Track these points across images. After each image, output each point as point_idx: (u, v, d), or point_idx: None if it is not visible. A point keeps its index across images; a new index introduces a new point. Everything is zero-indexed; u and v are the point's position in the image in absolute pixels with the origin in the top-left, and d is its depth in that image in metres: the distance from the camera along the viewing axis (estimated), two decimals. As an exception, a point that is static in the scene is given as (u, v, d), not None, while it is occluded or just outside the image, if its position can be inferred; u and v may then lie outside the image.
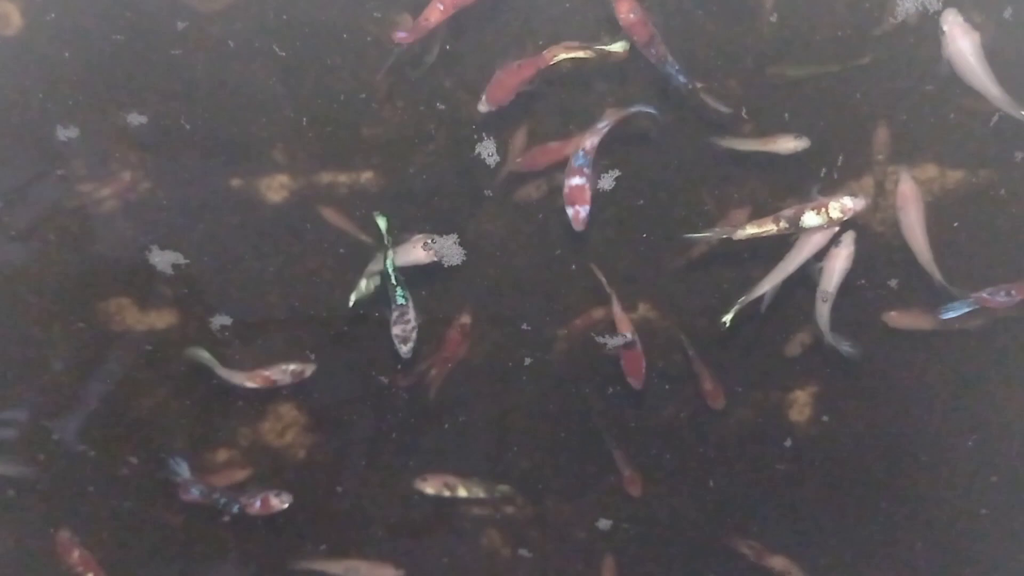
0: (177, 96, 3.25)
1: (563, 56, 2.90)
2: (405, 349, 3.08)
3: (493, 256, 3.47)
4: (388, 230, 3.06)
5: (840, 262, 3.06)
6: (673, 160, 3.40)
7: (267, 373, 3.35)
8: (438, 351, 3.47)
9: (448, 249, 3.22)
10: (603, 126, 2.94)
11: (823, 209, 2.87)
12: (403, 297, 3.05)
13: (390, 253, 3.03)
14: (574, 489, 3.73)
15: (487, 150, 3.16)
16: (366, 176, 3.41)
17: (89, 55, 3.21)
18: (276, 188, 3.41)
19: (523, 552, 3.70)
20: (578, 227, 2.97)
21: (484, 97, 2.94)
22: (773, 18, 2.92)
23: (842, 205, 2.86)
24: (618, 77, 3.31)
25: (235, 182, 3.39)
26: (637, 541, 3.74)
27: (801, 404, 3.67)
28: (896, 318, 3.45)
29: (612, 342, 3.19)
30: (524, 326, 3.44)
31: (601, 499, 3.73)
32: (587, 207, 2.95)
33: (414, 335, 3.07)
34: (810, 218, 2.89)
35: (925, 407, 3.65)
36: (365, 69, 3.28)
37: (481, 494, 3.60)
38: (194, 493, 3.34)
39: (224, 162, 3.35)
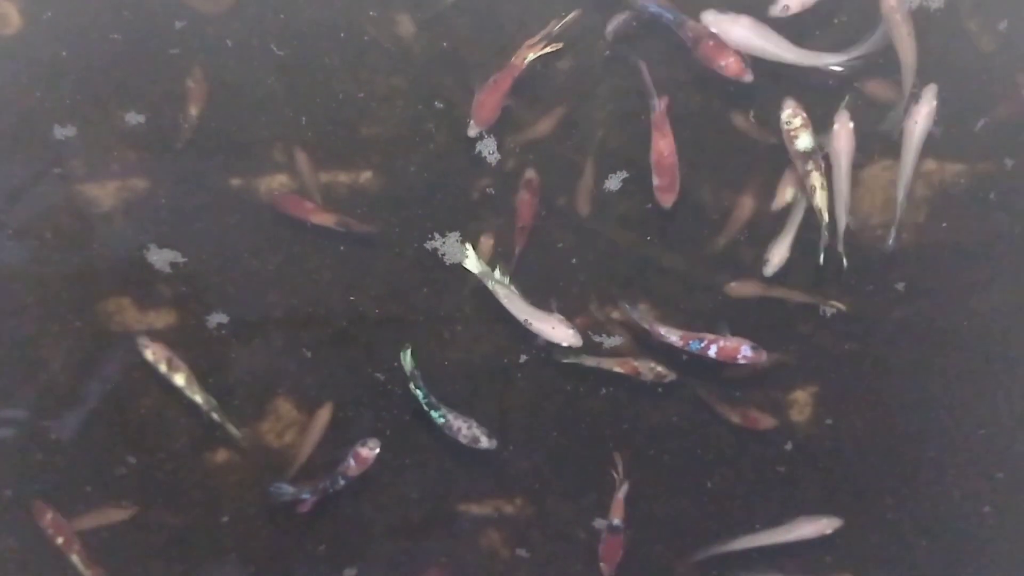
0: (175, 95, 3.24)
1: (533, 56, 2.90)
2: (487, 442, 3.19)
3: (495, 253, 3.46)
4: (415, 365, 3.20)
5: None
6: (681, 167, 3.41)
7: (636, 364, 3.36)
8: (516, 224, 3.35)
9: (451, 247, 3.24)
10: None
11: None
12: (441, 417, 3.18)
13: (419, 386, 3.18)
14: (574, 489, 3.73)
15: (488, 148, 3.17)
16: (365, 176, 3.41)
17: (86, 54, 3.20)
18: (276, 187, 3.40)
19: (520, 552, 3.70)
20: (759, 360, 3.01)
21: (471, 121, 2.98)
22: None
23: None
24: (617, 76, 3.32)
25: (234, 182, 3.38)
26: (635, 542, 3.74)
27: (802, 404, 3.67)
28: (735, 288, 3.47)
29: (599, 524, 3.48)
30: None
31: (601, 499, 3.73)
32: (746, 346, 2.99)
33: (479, 429, 3.18)
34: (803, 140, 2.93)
35: (928, 405, 3.64)
36: (364, 69, 3.28)
37: (199, 400, 3.35)
38: (309, 498, 3.35)
39: (223, 162, 3.34)
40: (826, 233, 3.04)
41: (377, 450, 3.22)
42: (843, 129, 3.07)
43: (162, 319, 3.48)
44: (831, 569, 3.76)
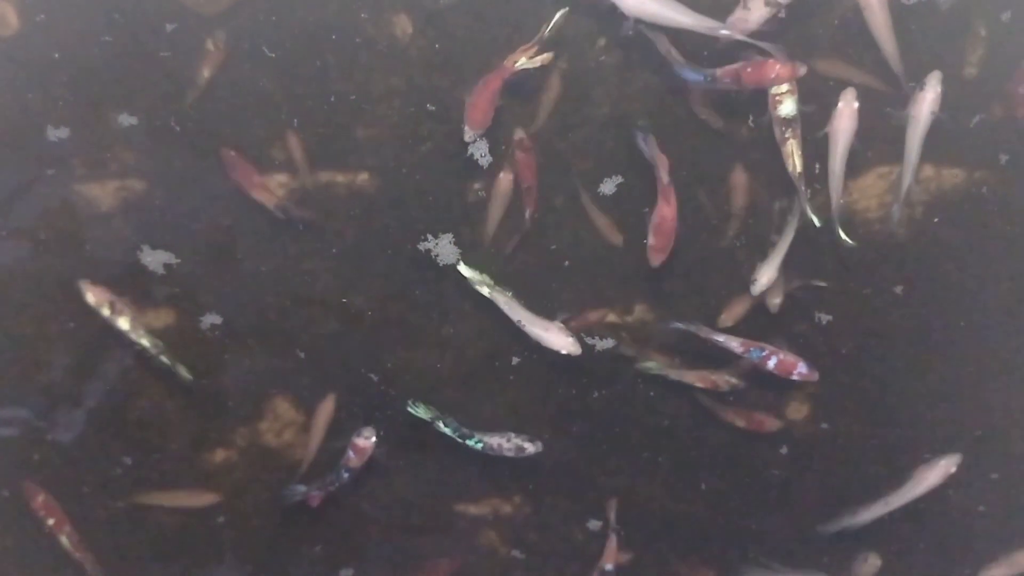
0: (168, 97, 3.25)
1: (525, 64, 2.91)
2: (532, 448, 3.23)
3: (488, 255, 3.46)
4: (430, 412, 3.29)
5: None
6: (678, 168, 3.40)
7: (714, 378, 3.44)
8: (521, 187, 3.33)
9: (443, 249, 3.25)
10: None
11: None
12: (478, 443, 3.25)
13: (447, 424, 3.28)
14: (570, 489, 3.73)
15: (480, 151, 3.17)
16: (362, 177, 3.41)
17: (79, 56, 3.20)
18: (274, 188, 3.40)
19: (516, 553, 3.70)
20: (811, 377, 3.15)
21: (465, 127, 3.00)
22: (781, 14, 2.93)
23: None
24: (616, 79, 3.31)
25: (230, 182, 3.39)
26: (630, 542, 3.75)
27: (798, 403, 3.66)
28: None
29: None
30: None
31: (599, 500, 3.73)
32: (802, 362, 3.14)
33: (518, 438, 3.24)
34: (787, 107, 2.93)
35: (924, 406, 3.63)
36: (359, 70, 3.28)
37: (146, 343, 3.30)
38: (318, 494, 3.41)
39: (218, 163, 3.34)
40: (805, 205, 3.09)
41: (374, 438, 3.24)
42: (847, 108, 3.04)
43: (160, 319, 3.49)
44: (829, 568, 3.76)
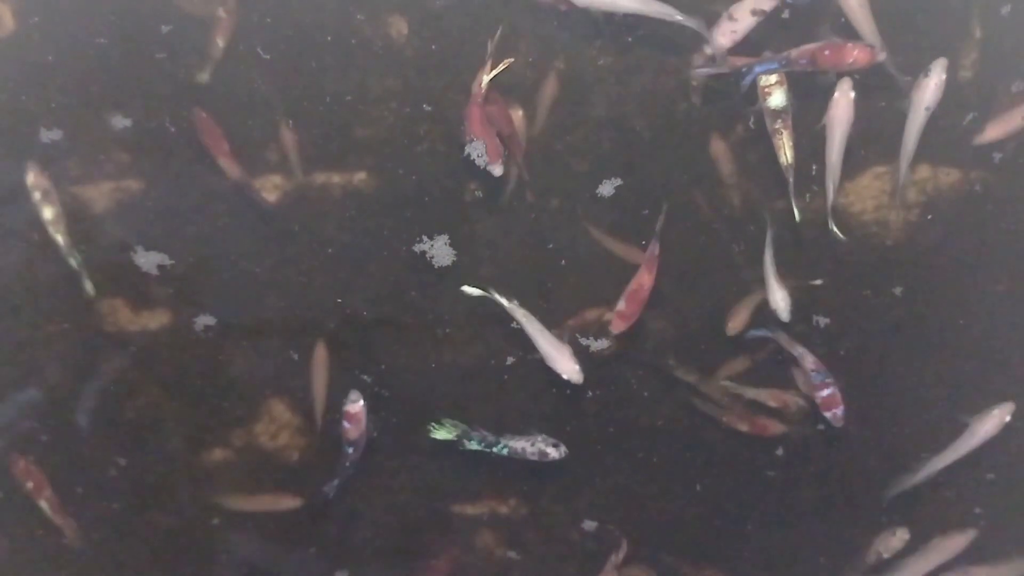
0: (163, 99, 3.25)
1: (488, 78, 2.92)
2: (556, 453, 3.24)
3: (484, 256, 3.46)
4: (453, 431, 3.27)
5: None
6: (672, 167, 3.40)
7: (786, 398, 3.48)
8: (503, 135, 3.23)
9: (439, 250, 3.25)
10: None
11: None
12: (503, 448, 3.25)
13: (470, 439, 3.26)
14: (567, 490, 3.72)
15: (476, 151, 3.16)
16: (359, 177, 3.41)
17: (74, 58, 3.21)
18: (269, 189, 3.40)
19: (512, 554, 3.70)
20: (837, 424, 3.19)
21: (487, 162, 3.00)
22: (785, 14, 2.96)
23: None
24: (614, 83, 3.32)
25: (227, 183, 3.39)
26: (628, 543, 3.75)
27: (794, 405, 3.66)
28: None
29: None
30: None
31: (595, 500, 3.73)
32: (842, 408, 3.17)
33: (543, 442, 3.24)
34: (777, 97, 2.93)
35: (921, 407, 3.64)
36: (355, 71, 3.28)
37: (60, 241, 3.25)
38: (338, 483, 3.39)
39: (215, 164, 3.35)
40: (793, 198, 3.06)
41: (360, 400, 3.21)
42: (843, 98, 3.01)
43: (156, 320, 3.49)
44: (825, 569, 3.76)
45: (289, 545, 3.71)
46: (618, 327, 3.14)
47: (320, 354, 3.49)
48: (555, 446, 3.24)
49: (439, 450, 3.62)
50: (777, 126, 2.98)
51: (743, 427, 3.56)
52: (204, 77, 3.25)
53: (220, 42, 3.20)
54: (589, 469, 3.64)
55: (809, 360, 3.19)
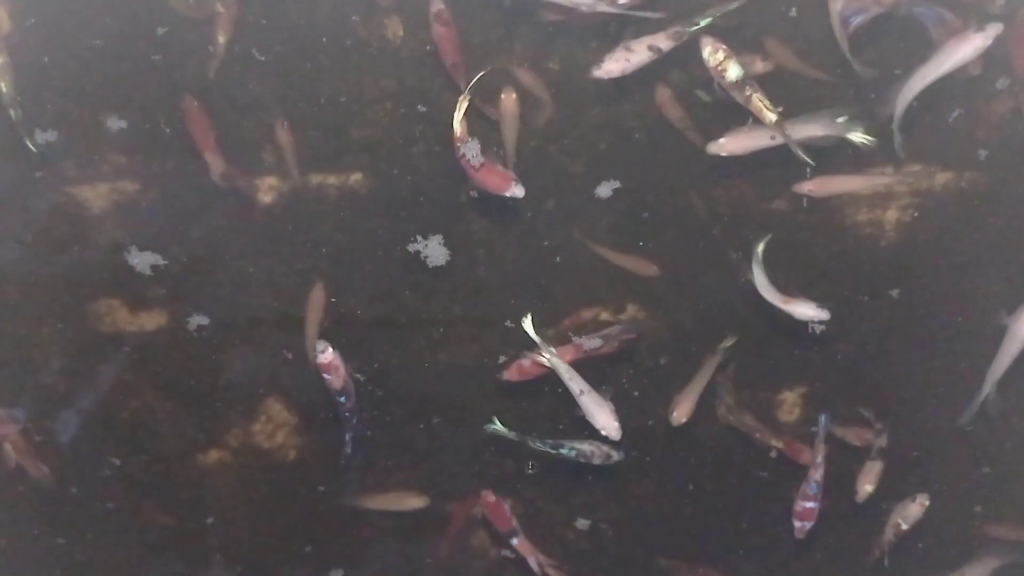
0: (158, 100, 3.26)
1: (461, 115, 2.93)
2: (617, 455, 3.34)
3: (478, 256, 3.47)
4: (511, 431, 3.30)
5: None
6: (669, 169, 3.40)
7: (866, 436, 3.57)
8: (446, 64, 3.22)
9: (433, 250, 3.26)
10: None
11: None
12: (571, 451, 3.30)
13: (536, 440, 3.31)
14: (563, 490, 3.73)
15: (472, 151, 3.16)
16: (354, 178, 3.42)
17: (70, 60, 3.22)
18: (265, 190, 3.41)
19: (506, 553, 3.70)
20: (798, 535, 3.40)
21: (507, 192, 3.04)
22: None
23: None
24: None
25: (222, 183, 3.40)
26: (620, 542, 3.75)
27: (790, 404, 3.66)
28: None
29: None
30: (507, 323, 3.45)
31: (590, 500, 3.73)
32: (812, 524, 3.38)
33: (606, 446, 3.31)
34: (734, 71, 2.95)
35: (917, 405, 3.64)
36: (350, 72, 3.29)
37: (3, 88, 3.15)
38: (350, 444, 3.43)
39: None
40: (796, 149, 3.04)
41: (328, 348, 3.18)
42: (979, 36, 2.91)
43: (153, 320, 3.50)
44: (823, 569, 3.76)
45: (284, 543, 3.72)
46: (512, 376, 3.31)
47: (317, 293, 3.47)
48: (616, 448, 3.30)
49: (434, 449, 3.64)
50: (747, 94, 2.98)
51: (777, 444, 3.58)
52: (210, 74, 3.26)
53: (221, 38, 3.21)
54: (583, 469, 3.63)
55: (819, 472, 3.31)
